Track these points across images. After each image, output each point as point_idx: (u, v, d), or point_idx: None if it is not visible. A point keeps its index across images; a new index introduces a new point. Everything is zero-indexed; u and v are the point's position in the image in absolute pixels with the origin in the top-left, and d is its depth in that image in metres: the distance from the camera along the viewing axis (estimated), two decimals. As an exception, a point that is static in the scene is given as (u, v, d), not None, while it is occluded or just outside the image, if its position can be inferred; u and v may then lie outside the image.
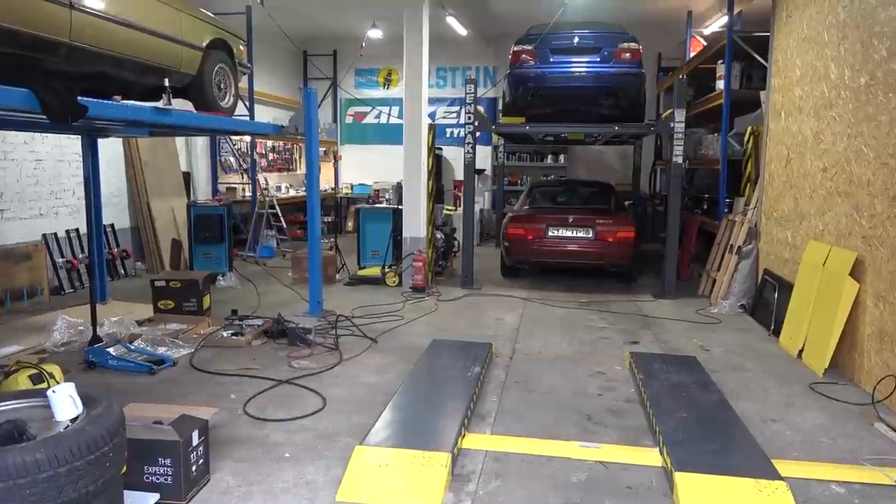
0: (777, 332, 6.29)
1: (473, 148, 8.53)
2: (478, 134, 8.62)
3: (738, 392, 4.72)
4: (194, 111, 5.68)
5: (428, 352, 5.30)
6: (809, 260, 5.87)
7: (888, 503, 3.19)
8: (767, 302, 6.87)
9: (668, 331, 6.60)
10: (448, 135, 15.02)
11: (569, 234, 8.35)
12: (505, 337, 6.19)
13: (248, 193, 11.93)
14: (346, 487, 3.21)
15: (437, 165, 12.22)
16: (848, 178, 5.34)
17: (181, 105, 5.50)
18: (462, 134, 9.23)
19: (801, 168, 6.41)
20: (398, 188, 9.80)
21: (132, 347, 5.35)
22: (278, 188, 13.03)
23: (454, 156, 14.52)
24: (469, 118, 8.45)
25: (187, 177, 10.68)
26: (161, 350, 5.45)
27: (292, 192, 13.68)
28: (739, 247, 7.69)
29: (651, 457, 3.63)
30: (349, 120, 15.81)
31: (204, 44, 5.73)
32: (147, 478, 3.02)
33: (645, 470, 3.52)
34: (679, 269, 8.60)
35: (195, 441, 3.15)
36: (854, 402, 4.55)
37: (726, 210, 8.71)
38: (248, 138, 11.98)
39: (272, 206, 11.30)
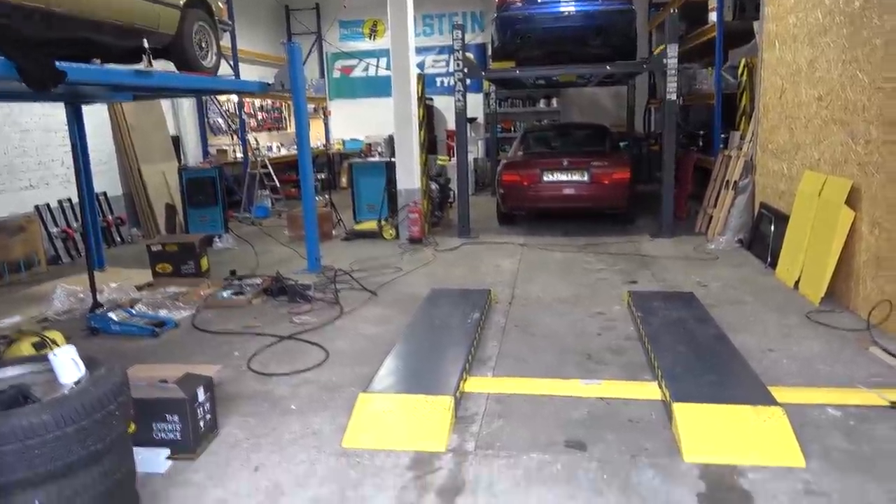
0: (774, 265, 6.32)
1: (464, 96, 8.41)
2: (468, 81, 8.49)
3: (737, 325, 4.77)
4: (176, 72, 5.57)
5: (427, 301, 5.34)
6: (805, 190, 5.85)
7: (884, 424, 3.26)
8: (764, 235, 6.88)
9: (666, 269, 6.63)
10: (438, 84, 14.80)
11: (564, 178, 8.30)
12: (504, 283, 6.22)
13: (239, 155, 11.82)
14: (351, 434, 3.27)
15: (429, 116, 12.09)
16: (843, 105, 5.28)
17: (163, 67, 5.39)
18: (452, 83, 9.09)
19: (796, 98, 6.33)
20: (390, 141, 9.72)
21: (133, 312, 5.38)
22: (269, 148, 12.90)
23: (445, 105, 14.35)
24: (458, 65, 8.30)
25: (176, 141, 10.55)
26: (162, 313, 5.48)
27: (284, 151, 13.55)
28: (736, 181, 7.66)
29: (651, 391, 3.69)
30: (337, 74, 15.55)
31: (181, 2, 5.58)
32: (157, 434, 3.08)
33: (645, 404, 3.58)
34: (676, 207, 8.58)
35: (201, 397, 3.19)
36: (850, 329, 4.60)
37: (722, 145, 8.65)
38: (235, 99, 11.81)
39: (264, 166, 11.21)
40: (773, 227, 6.58)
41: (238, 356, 4.53)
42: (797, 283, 5.65)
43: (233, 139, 12.16)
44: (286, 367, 4.27)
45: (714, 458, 2.96)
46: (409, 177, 8.36)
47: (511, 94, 14.29)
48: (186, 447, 3.10)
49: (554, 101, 14.19)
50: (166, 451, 3.07)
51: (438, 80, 14.81)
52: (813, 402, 3.48)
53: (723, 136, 8.73)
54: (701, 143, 10.02)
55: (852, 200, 5.01)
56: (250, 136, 11.74)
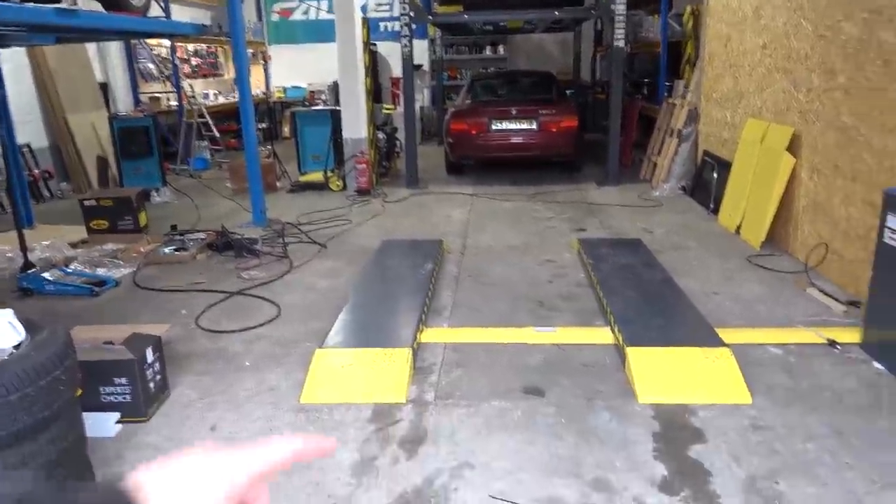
0: (716, 211, 6.50)
1: (410, 41, 8.18)
2: (413, 27, 8.23)
3: (682, 269, 4.90)
4: (104, 12, 5.18)
5: (378, 253, 5.27)
6: (748, 138, 5.99)
7: (821, 360, 3.43)
8: (706, 182, 7.05)
9: (612, 216, 6.74)
10: (382, 29, 14.34)
11: (512, 126, 8.25)
12: (455, 233, 6.20)
13: (173, 103, 11.25)
14: (309, 390, 3.23)
15: (373, 63, 11.69)
16: (786, 53, 5.37)
17: (88, 6, 5.00)
18: (397, 28, 8.81)
19: (741, 46, 6.40)
20: (334, 88, 9.42)
21: (69, 271, 5.13)
22: (206, 95, 12.32)
23: (389, 51, 13.90)
24: (404, 9, 8.03)
25: (104, 88, 9.94)
26: (101, 271, 5.24)
27: (221, 99, 12.98)
28: (680, 130, 7.77)
29: (604, 335, 3.77)
30: (275, 18, 14.86)
31: (104, -67, 5.15)
32: (105, 398, 2.97)
33: (598, 348, 3.66)
34: (621, 155, 8.68)
35: (150, 358, 3.08)
36: (789, 272, 4.79)
37: (666, 94, 8.73)
38: (167, 43, 11.15)
39: (202, 115, 10.71)
40: (715, 175, 6.74)
41: (186, 314, 4.38)
42: (739, 228, 5.83)
43: (165, 86, 11.54)
44: (237, 324, 4.16)
45: (666, 399, 3.06)
46: (356, 126, 8.14)
47: (457, 40, 14.02)
48: (137, 410, 3.00)
49: (501, 49, 14.01)
50: (116, 415, 2.97)
51: (382, 24, 14.34)
52: (756, 342, 3.63)
53: (667, 84, 8.81)
54: (646, 92, 10.10)
55: (793, 147, 5.15)
56: (185, 83, 11.16)
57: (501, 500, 2.45)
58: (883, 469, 2.53)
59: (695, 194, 7.35)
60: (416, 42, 9.17)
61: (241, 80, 6.46)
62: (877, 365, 3.34)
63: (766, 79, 5.78)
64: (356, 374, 3.31)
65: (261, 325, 4.14)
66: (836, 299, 4.17)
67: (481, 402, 3.13)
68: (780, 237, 5.38)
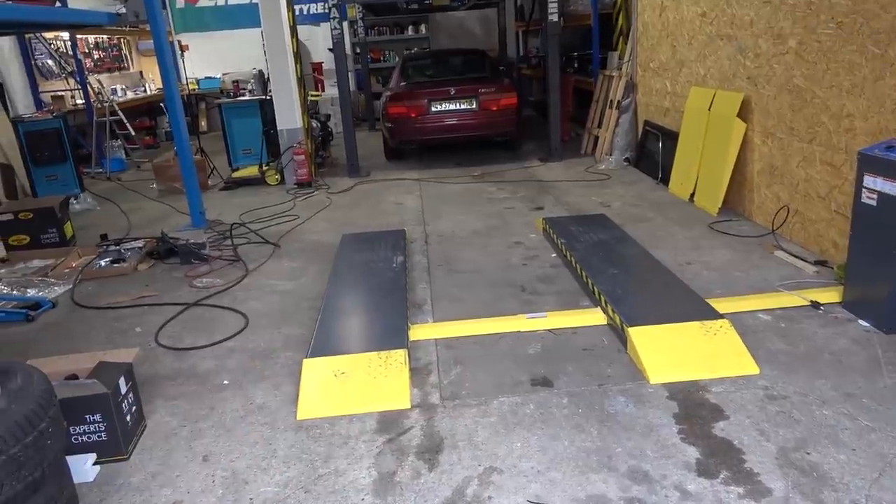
0: (665, 181, 6.59)
1: (340, 23, 7.82)
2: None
3: (649, 241, 4.90)
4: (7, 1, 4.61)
5: (341, 248, 5.00)
6: (693, 106, 6.06)
7: (810, 322, 3.49)
8: (651, 152, 7.14)
9: (566, 192, 6.71)
10: (298, 12, 13.73)
11: (452, 107, 8.07)
12: (412, 221, 5.99)
13: (79, 101, 10.37)
14: (305, 404, 2.98)
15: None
16: (729, 20, 5.43)
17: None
18: (314, 10, 8.41)
19: (678, 15, 6.46)
20: (260, 77, 8.91)
21: (-6, 295, 4.59)
22: (114, 91, 11.45)
23: (307, 36, 13.39)
24: (331, -11, 7.65)
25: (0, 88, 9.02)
26: (31, 292, 4.73)
27: (131, 95, 12.12)
28: (618, 101, 7.82)
29: (595, 317, 3.70)
30: (181, 4, 13.94)
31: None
32: (77, 439, 2.62)
33: (592, 330, 3.59)
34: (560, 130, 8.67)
35: (123, 388, 2.75)
36: (752, 236, 4.89)
37: (601, 66, 8.77)
38: (65, 36, 10.24)
39: (113, 113, 9.92)
40: (660, 144, 6.82)
41: (141, 332, 4.00)
42: (692, 195, 5.92)
43: (68, 83, 10.62)
44: (204, 338, 3.83)
45: (677, 377, 3.01)
46: (290, 115, 7.74)
47: (378, 21, 13.63)
48: (115, 448, 2.68)
49: (423, 28, 13.73)
50: (91, 457, 2.63)
51: (297, 7, 13.72)
52: (744, 310, 3.65)
53: (600, 56, 8.85)
54: (577, 66, 10.12)
55: (743, 113, 5.24)
56: (91, 79, 10.30)
57: None
58: (902, 427, 2.57)
59: (640, 165, 7.43)
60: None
61: (166, 72, 5.95)
62: (862, 322, 3.42)
63: (709, 46, 5.85)
64: (352, 381, 3.09)
65: (230, 337, 3.83)
66: (805, 260, 4.27)
67: (490, 399, 2.99)
68: (735, 202, 5.49)
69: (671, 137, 6.56)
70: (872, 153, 3.33)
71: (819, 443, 2.52)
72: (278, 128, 7.81)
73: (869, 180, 3.34)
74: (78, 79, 10.26)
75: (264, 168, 8.04)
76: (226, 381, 3.33)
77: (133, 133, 10.38)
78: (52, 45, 10.43)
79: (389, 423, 2.86)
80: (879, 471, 2.33)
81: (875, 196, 3.29)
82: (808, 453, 2.46)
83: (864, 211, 3.41)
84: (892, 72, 3.65)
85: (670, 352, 3.14)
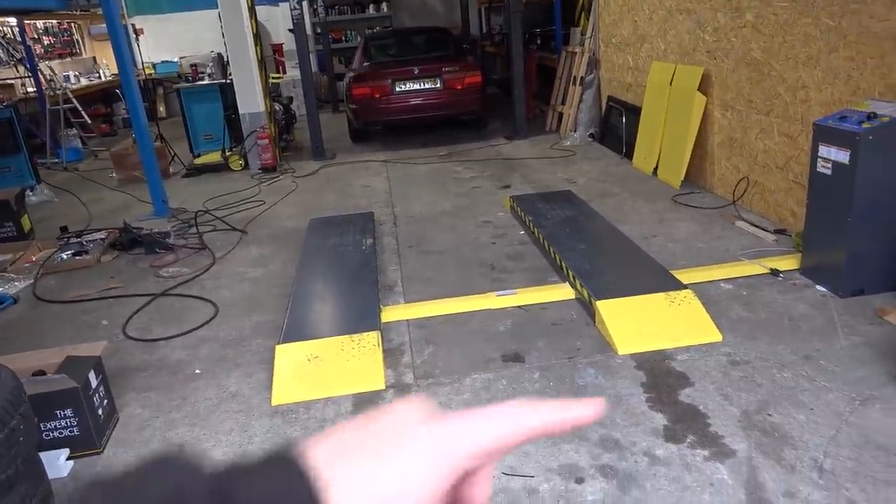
0: (629, 155, 6.67)
1: (300, 2, 7.69)
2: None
3: (615, 215, 4.98)
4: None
5: (310, 233, 4.97)
6: (655, 80, 6.13)
7: (770, 289, 3.60)
8: (615, 127, 7.21)
9: (533, 170, 6.75)
10: (255, -7, 13.42)
11: (417, 86, 8.02)
12: (381, 203, 5.98)
13: (30, 89, 10.04)
14: (279, 390, 2.99)
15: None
16: (687, -6, 5.49)
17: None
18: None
19: (638, -10, 6.50)
20: (219, 60, 8.73)
21: (-48, 292, 4.47)
22: (66, 78, 11.09)
23: (266, 17, 13.10)
24: (289, -32, 7.50)
25: (-55, 77, 8.69)
26: (-9, 288, 4.61)
27: (84, 81, 11.77)
28: (582, 77, 7.86)
29: (564, 292, 3.76)
30: (133, -14, 13.52)
31: None
32: (48, 435, 2.59)
33: (561, 305, 3.65)
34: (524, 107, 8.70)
35: (94, 382, 2.72)
36: (713, 207, 5.00)
37: (563, 43, 8.78)
38: (12, 21, 9.87)
39: (67, 101, 9.63)
40: (623, 119, 6.90)
41: (108, 325, 3.94)
42: (655, 169, 6.02)
43: (18, 71, 10.26)
44: (173, 329, 3.79)
45: (644, 347, 3.09)
46: (252, 99, 7.61)
47: (338, 0, 13.41)
48: (88, 442, 2.66)
49: (384, 6, 13.56)
50: (65, 451, 2.61)
51: (254, -12, 13.42)
52: (707, 280, 3.75)
53: (563, 33, 8.86)
54: (540, 42, 10.12)
55: (703, 86, 5.32)
56: (42, 66, 9.97)
57: (515, 475, 2.38)
58: (857, 385, 2.69)
59: (604, 140, 7.50)
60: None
61: (121, 57, 5.80)
62: (819, 288, 3.55)
63: (668, 21, 5.91)
64: (326, 365, 3.10)
65: (200, 326, 3.80)
66: (765, 229, 4.40)
67: (464, 376, 3.04)
68: (696, 174, 5.60)
69: (634, 112, 6.64)
70: (826, 123, 3.43)
71: (780, 404, 2.62)
72: (240, 112, 7.67)
73: (823, 150, 3.44)
74: (28, 66, 9.92)
75: (227, 153, 7.91)
76: (198, 371, 3.31)
77: (89, 121, 10.10)
78: (-1, 32, 10.06)
79: (364, 404, 2.88)
80: (836, 428, 2.44)
81: (830, 165, 3.39)
82: (769, 415, 2.56)
83: (819, 180, 3.51)
84: (845, 43, 3.75)
85: (637, 323, 3.22)
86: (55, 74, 10.01)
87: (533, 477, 2.35)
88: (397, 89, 7.99)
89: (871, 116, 3.20)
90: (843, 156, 3.29)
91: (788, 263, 3.83)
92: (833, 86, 3.88)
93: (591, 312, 3.43)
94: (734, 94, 4.94)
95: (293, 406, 2.91)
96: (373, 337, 3.21)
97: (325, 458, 0.37)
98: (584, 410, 0.42)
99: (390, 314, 3.67)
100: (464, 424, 0.39)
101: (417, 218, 5.46)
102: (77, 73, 11.85)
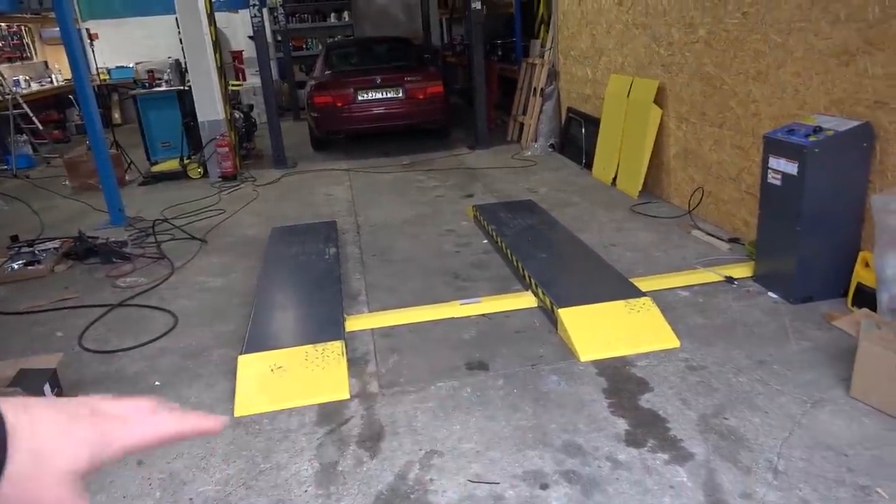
0: (588, 166, 6.80)
1: (260, 9, 7.62)
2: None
3: (575, 225, 5.07)
4: None
5: (271, 241, 4.93)
6: (613, 93, 6.28)
7: (725, 296, 3.72)
8: (575, 138, 7.35)
9: (495, 179, 6.82)
10: (214, -1, 13.25)
11: (379, 95, 8.03)
12: (343, 212, 5.96)
13: (-23, 93, 9.68)
14: (242, 401, 2.95)
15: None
16: (644, 9, 5.64)
17: None
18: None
19: (596, 5, 6.65)
20: (177, 67, 8.59)
21: None
22: (17, 83, 10.75)
23: (225, 23, 12.95)
24: (250, -25, 7.45)
25: None
26: (-64, 300, 4.43)
27: (35, 86, 11.43)
28: (542, 89, 7.99)
29: (526, 300, 3.81)
30: (87, -11, 13.20)
31: None
32: (0, 452, 2.50)
33: (525, 313, 3.70)
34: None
35: (49, 395, 2.64)
36: (670, 217, 5.14)
37: (523, 54, 8.92)
38: (-42, 22, 9.52)
39: (17, 105, 9.32)
40: (583, 130, 7.04)
41: (63, 336, 3.84)
42: (614, 180, 6.15)
43: (-36, 75, 9.89)
44: (130, 340, 3.71)
45: (605, 354, 3.16)
46: (211, 106, 7.50)
47: (299, 7, 13.34)
48: (42, 457, 2.57)
49: (346, 15, 13.55)
50: (17, 468, 2.52)
51: (213, -6, 13.25)
52: (665, 287, 3.85)
53: (523, 44, 9.00)
54: (500, 53, 10.25)
55: (659, 99, 5.47)
56: (-10, 70, 9.64)
57: (481, 482, 2.40)
58: (807, 388, 2.80)
59: (564, 151, 7.63)
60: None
61: (76, 62, 5.66)
62: (771, 294, 3.68)
63: (625, 35, 6.07)
64: (290, 375, 3.08)
65: (159, 337, 3.72)
66: (719, 238, 4.54)
67: (428, 385, 3.05)
68: (653, 185, 5.74)
69: (593, 123, 6.78)
70: (776, 136, 3.57)
71: (735, 408, 2.71)
72: (199, 119, 7.56)
73: (773, 161, 3.58)
74: (-25, 70, 9.58)
75: (185, 161, 7.78)
76: (157, 383, 3.25)
77: (40, 127, 9.80)
78: (-56, 34, 9.69)
79: (329, 414, 2.87)
80: (789, 430, 2.54)
81: (779, 176, 3.53)
82: (725, 419, 2.65)
83: (770, 190, 3.65)
84: (792, 59, 3.91)
85: (598, 330, 3.29)
86: (4, 79, 9.69)
87: (498, 483, 2.37)
88: (359, 98, 7.99)
89: (818, 130, 3.35)
90: (791, 167, 3.43)
91: (742, 271, 3.96)
92: (781, 100, 4.04)
93: (554, 320, 3.48)
94: (688, 106, 5.10)
95: (257, 417, 2.88)
96: (337, 346, 3.20)
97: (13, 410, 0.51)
98: (212, 423, 0.62)
99: (355, 323, 3.67)
100: (123, 421, 0.56)
101: (381, 227, 5.47)
102: (28, 78, 11.50)
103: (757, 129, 4.26)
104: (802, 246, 3.46)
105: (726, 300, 3.67)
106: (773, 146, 3.59)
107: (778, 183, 3.55)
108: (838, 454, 2.38)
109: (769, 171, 3.62)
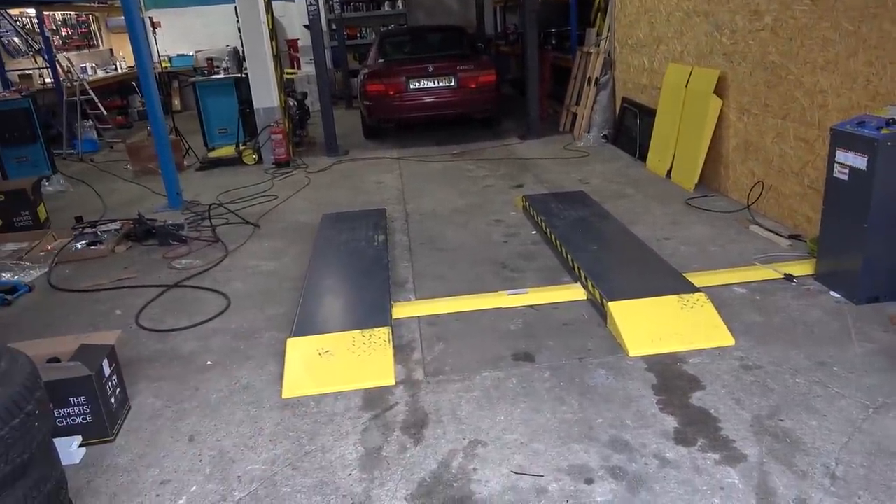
0: (643, 157, 6.64)
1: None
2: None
3: (628, 217, 4.96)
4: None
5: (322, 228, 4.99)
6: (671, 83, 6.10)
7: (784, 294, 3.58)
8: (629, 129, 7.18)
9: (545, 170, 6.74)
10: (271, -12, 13.47)
11: (431, 84, 8.02)
12: (393, 200, 5.99)
13: (48, 80, 10.13)
14: (290, 383, 3.00)
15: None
16: (706, -4, 5.45)
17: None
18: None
19: (655, -9, 6.47)
20: (235, 55, 8.76)
21: (-32, 279, 4.52)
22: (84, 70, 11.18)
23: (282, 12, 13.15)
24: (306, -36, 7.52)
25: (-36, 67, 8.78)
26: (7, 276, 4.66)
27: (101, 73, 11.86)
28: (597, 78, 7.84)
29: (575, 293, 3.75)
30: (151, -21, 13.60)
31: None
32: (61, 421, 2.62)
33: (573, 305, 3.64)
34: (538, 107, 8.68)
35: (107, 371, 2.74)
36: (727, 211, 4.97)
37: (578, 43, 8.76)
38: (31, 12, 9.96)
39: (84, 92, 9.70)
40: (638, 121, 6.87)
41: (121, 314, 3.98)
42: (669, 172, 5.99)
43: (36, 62, 10.35)
44: (185, 320, 3.82)
45: (655, 350, 3.08)
46: (267, 94, 7.63)
47: (353, -4, 13.44)
48: (100, 430, 2.68)
49: (399, 4, 13.56)
50: (77, 439, 2.63)
51: (271, -17, 13.47)
52: (720, 283, 3.73)
53: (579, 33, 8.83)
54: (555, 42, 10.09)
55: (720, 89, 5.29)
56: (60, 57, 10.04)
57: (525, 474, 2.37)
58: (870, 392, 2.67)
59: (618, 142, 7.48)
60: None
61: (139, 49, 5.83)
62: (833, 294, 3.52)
63: (685, 23, 5.88)
64: (337, 360, 3.11)
65: (212, 318, 3.82)
66: (779, 234, 4.37)
67: (473, 374, 3.03)
68: (710, 178, 5.57)
69: (649, 114, 6.61)
70: (844, 129, 3.40)
71: (792, 410, 2.60)
72: (254, 106, 7.71)
73: (841, 155, 3.41)
74: (46, 57, 10.01)
75: (241, 147, 7.95)
76: (209, 362, 3.33)
77: (105, 113, 10.19)
78: (18, 23, 10.14)
79: (374, 399, 2.89)
80: (849, 435, 2.43)
81: (847, 171, 3.36)
82: (781, 420, 2.55)
83: (835, 185, 3.48)
84: (864, 48, 3.71)
85: (649, 325, 3.21)
86: (72, 66, 10.09)
87: (542, 476, 2.34)
88: (411, 87, 8.00)
89: (890, 122, 3.17)
90: (860, 161, 3.26)
91: (803, 269, 3.81)
92: (852, 91, 3.84)
93: (603, 313, 3.42)
94: (750, 97, 4.91)
95: (303, 399, 2.92)
96: (383, 333, 3.21)
97: None
98: None
99: (401, 310, 3.68)
100: None
101: (429, 215, 5.47)
102: (94, 65, 11.94)
103: (824, 122, 4.07)
104: (869, 244, 3.29)
105: (785, 298, 3.53)
106: (841, 139, 3.42)
107: (845, 178, 3.39)
108: (903, 463, 2.26)
109: (836, 164, 3.45)
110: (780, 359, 2.96)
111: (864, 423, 2.49)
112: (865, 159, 3.23)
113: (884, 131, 3.16)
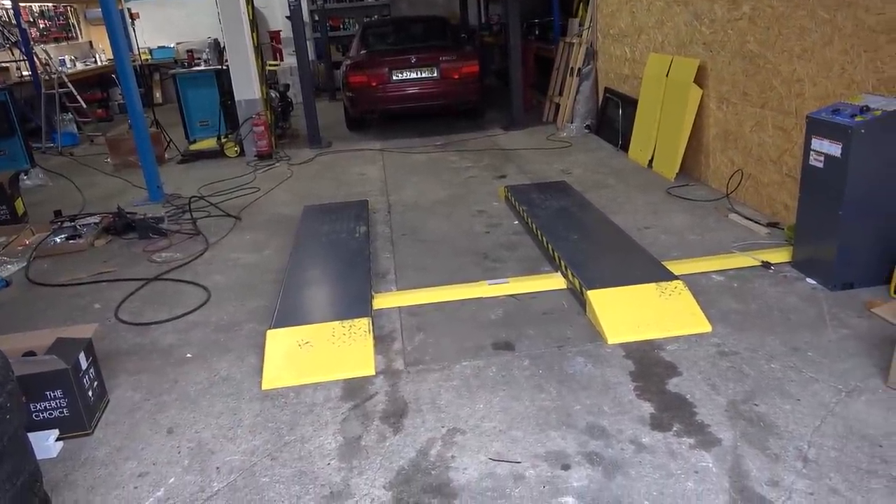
0: (625, 147, 6.67)
1: (297, -11, 7.63)
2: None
3: (610, 207, 4.99)
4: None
5: (303, 219, 4.97)
6: (652, 72, 6.12)
7: (761, 281, 3.62)
8: (611, 119, 7.21)
9: (528, 160, 6.75)
10: (253, -21, 13.32)
11: (414, 75, 8.00)
12: (375, 191, 5.98)
13: (26, 73, 9.98)
14: (270, 374, 3.00)
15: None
16: (685, -15, 5.47)
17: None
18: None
19: (636, -19, 6.48)
20: (215, 47, 8.67)
21: (-56, 274, 4.46)
22: (62, 62, 11.03)
23: (263, 3, 13.04)
24: (286, -46, 7.46)
25: (-61, 59, 8.63)
26: (-17, 271, 4.60)
27: (80, 66, 11.70)
28: (579, 68, 7.85)
29: (555, 282, 3.77)
30: (129, -30, 13.40)
31: None
32: (38, 415, 2.60)
33: (552, 295, 3.66)
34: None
35: (83, 364, 2.73)
36: (707, 200, 5.01)
37: (561, 33, 8.76)
38: (7, 3, 9.80)
39: (63, 84, 9.57)
40: (620, 111, 6.89)
41: (100, 308, 3.95)
42: (651, 161, 6.02)
43: (13, 54, 10.19)
44: (164, 313, 3.80)
45: (633, 337, 3.11)
46: (248, 86, 7.57)
47: (336, -13, 13.33)
48: (78, 423, 2.67)
49: (382, -6, 13.48)
50: (54, 433, 2.62)
51: (252, -26, 13.32)
52: (698, 271, 3.77)
53: (561, 24, 8.83)
54: (538, 33, 10.09)
55: (700, 79, 5.32)
56: (37, 49, 9.90)
57: (502, 461, 2.39)
58: (843, 377, 2.71)
59: (600, 132, 7.50)
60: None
61: (117, 42, 5.77)
62: (810, 280, 3.56)
63: (666, 13, 5.90)
64: (317, 351, 3.11)
65: (192, 311, 3.80)
66: (757, 222, 4.41)
67: (453, 363, 3.05)
68: (691, 167, 5.60)
69: (631, 104, 6.63)
70: (819, 116, 3.43)
71: (766, 395, 2.64)
72: (236, 98, 7.65)
73: (816, 143, 3.45)
74: (23, 49, 9.86)
75: (223, 140, 7.89)
76: (189, 355, 3.32)
77: (84, 106, 10.05)
78: (-6, 14, 9.98)
79: (354, 389, 2.89)
80: (821, 419, 2.46)
81: (822, 158, 3.40)
82: (755, 405, 2.58)
83: (811, 173, 3.52)
84: (840, 37, 3.75)
85: (627, 313, 3.23)
86: (50, 58, 9.95)
87: (519, 462, 2.36)
88: (394, 78, 7.97)
89: (864, 110, 3.21)
90: (835, 149, 3.29)
91: (780, 256, 3.85)
92: (828, 79, 3.88)
93: (582, 302, 3.44)
94: (730, 86, 4.94)
95: (283, 390, 2.92)
96: (364, 323, 3.21)
97: None
98: None
99: (382, 301, 3.68)
100: None
101: (412, 206, 5.47)
102: (73, 58, 11.78)
103: (801, 110, 4.11)
104: (844, 231, 3.34)
105: (762, 285, 3.57)
106: (816, 126, 3.45)
107: (820, 165, 3.42)
108: (872, 444, 2.30)
109: (811, 152, 3.49)
110: (755, 345, 3.00)
111: (836, 406, 2.53)
112: (840, 147, 3.26)
113: (858, 119, 3.20)
